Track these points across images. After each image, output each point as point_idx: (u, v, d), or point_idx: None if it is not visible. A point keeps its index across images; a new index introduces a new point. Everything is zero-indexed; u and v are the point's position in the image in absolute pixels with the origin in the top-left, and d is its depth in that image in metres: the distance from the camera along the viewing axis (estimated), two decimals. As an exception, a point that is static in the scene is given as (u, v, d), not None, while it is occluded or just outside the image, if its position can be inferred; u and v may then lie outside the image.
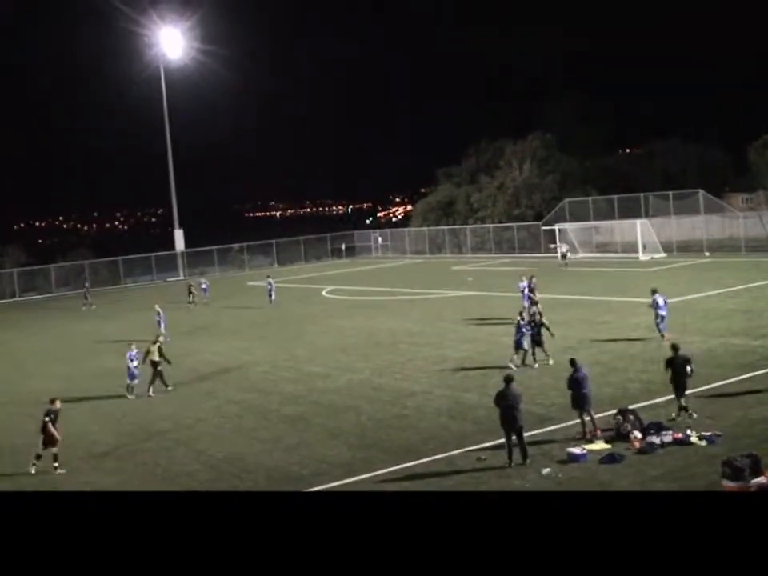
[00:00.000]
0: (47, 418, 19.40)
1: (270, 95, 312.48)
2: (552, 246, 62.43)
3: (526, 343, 25.46)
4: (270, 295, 45.67)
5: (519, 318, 25.79)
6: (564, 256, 57.29)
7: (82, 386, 28.73)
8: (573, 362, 18.78)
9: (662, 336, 26.69)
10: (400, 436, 19.43)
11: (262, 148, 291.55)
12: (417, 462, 17.40)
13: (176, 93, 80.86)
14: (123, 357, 26.99)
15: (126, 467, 19.19)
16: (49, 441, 19.30)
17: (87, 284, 58.89)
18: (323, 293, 50.16)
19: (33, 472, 19.04)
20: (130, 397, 26.08)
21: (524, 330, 25.47)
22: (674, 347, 19.55)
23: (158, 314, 37.59)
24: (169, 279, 71.98)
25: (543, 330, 26.34)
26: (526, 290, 34.79)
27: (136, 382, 26.31)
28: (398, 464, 17.33)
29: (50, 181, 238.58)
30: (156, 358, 26.52)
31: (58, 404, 19.91)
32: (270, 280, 46.87)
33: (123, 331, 41.12)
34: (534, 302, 32.61)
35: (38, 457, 19.25)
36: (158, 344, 26.99)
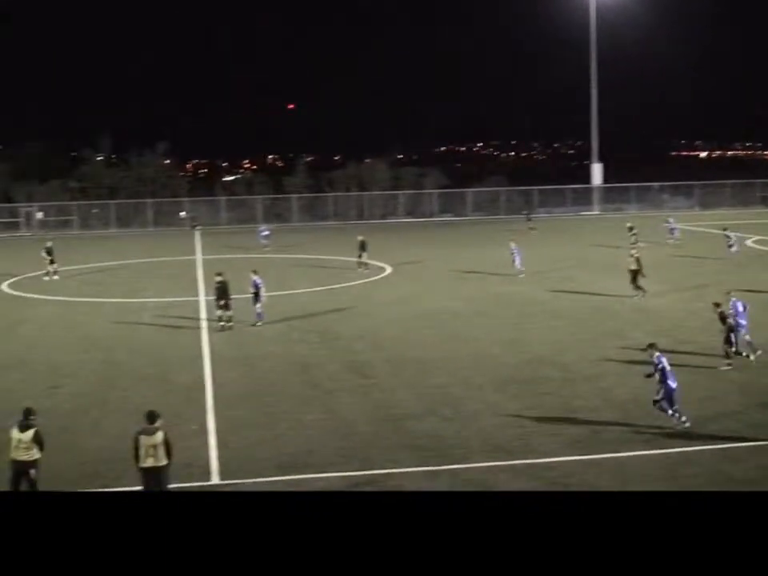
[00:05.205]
0: None
1: (711, 34, 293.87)
2: None
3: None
4: (731, 246, 40.43)
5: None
6: None
7: (480, 309, 29.69)
8: None
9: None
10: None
11: (694, 86, 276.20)
12: None
13: (602, 23, 77.99)
14: (520, 284, 26.61)
15: (526, 395, 19.36)
16: None
17: (526, 211, 59.98)
18: (747, 242, 46.31)
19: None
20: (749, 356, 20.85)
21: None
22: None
23: (513, 250, 36.54)
24: (582, 213, 71.03)
25: None
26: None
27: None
28: None
29: (478, 107, 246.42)
30: (633, 267, 30.92)
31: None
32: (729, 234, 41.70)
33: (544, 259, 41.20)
34: None
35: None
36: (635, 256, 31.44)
